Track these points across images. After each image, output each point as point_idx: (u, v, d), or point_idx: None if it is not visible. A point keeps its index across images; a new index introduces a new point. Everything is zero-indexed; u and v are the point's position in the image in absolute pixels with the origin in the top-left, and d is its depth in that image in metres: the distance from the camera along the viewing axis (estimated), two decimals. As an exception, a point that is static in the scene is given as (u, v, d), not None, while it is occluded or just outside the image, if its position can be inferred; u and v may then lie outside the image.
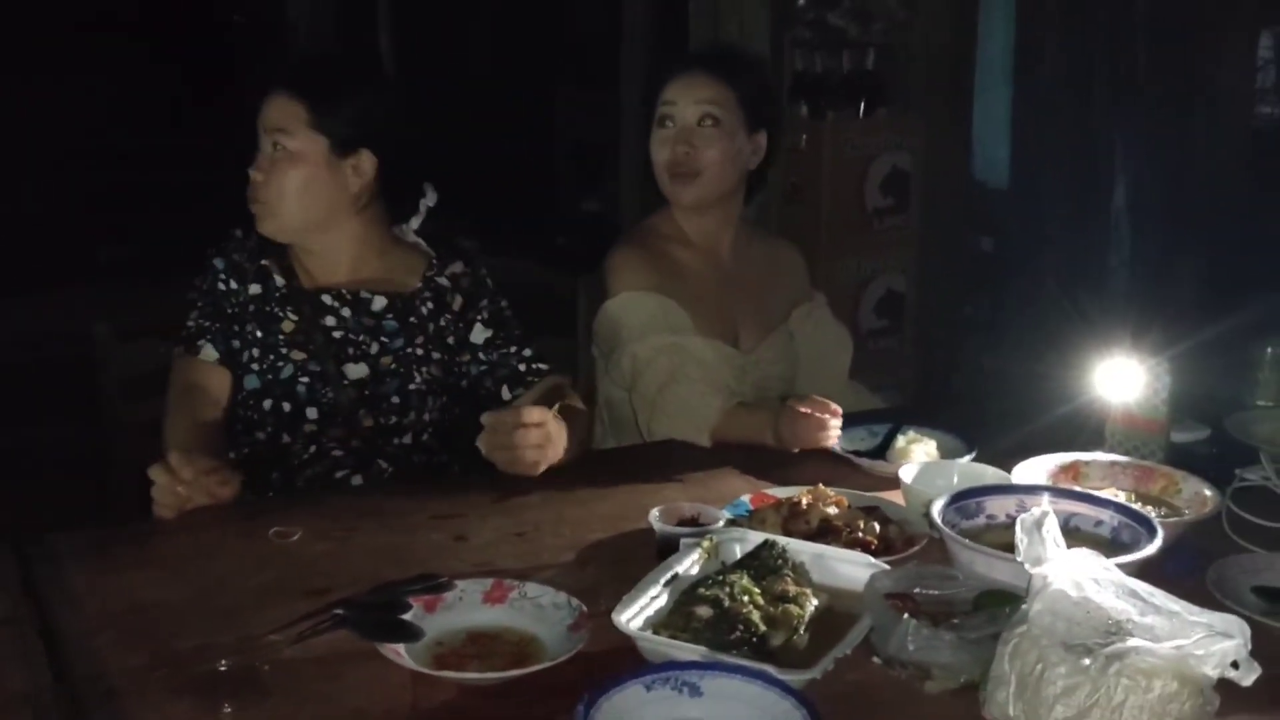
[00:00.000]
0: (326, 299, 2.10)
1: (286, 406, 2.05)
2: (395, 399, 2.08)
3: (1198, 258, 4.47)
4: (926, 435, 2.03)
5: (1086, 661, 1.26)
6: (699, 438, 2.15)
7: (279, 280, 2.10)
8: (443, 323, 2.15)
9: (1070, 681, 1.26)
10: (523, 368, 2.15)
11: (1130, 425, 1.95)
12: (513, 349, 2.16)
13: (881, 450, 2.03)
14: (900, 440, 2.01)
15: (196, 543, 1.71)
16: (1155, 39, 4.64)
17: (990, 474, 1.82)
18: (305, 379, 2.05)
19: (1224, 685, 1.26)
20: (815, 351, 2.51)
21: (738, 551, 1.57)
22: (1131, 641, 1.26)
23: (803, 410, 2.02)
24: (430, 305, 2.15)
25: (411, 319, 2.13)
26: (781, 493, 1.81)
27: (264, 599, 1.53)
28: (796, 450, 2.06)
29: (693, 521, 1.68)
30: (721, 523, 1.67)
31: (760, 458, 2.03)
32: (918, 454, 1.96)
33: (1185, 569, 1.59)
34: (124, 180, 6.43)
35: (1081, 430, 2.03)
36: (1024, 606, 1.33)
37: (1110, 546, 1.59)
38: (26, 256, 5.58)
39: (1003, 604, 1.40)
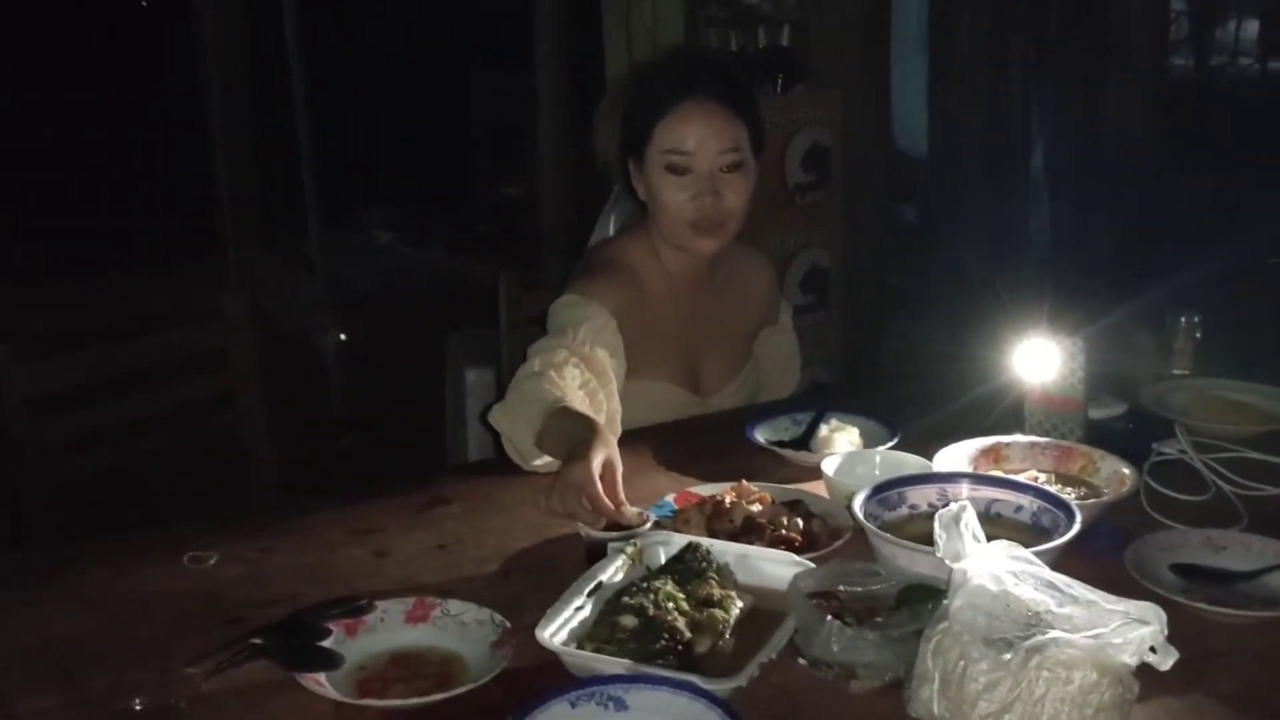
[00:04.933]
0: None
1: None
2: None
3: (1113, 219, 4.53)
4: (849, 423, 2.04)
5: (1007, 656, 1.26)
6: (522, 437, 1.89)
7: None
8: None
9: (992, 677, 1.26)
10: None
11: (1048, 405, 1.97)
12: None
13: (805, 440, 2.03)
14: (823, 429, 2.02)
15: (112, 571, 1.66)
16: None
17: (912, 462, 1.83)
18: None
19: (1143, 670, 1.27)
20: (769, 368, 2.44)
21: (662, 555, 1.56)
22: (1051, 634, 1.27)
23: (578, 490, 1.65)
24: None
25: None
26: (705, 490, 1.81)
27: (181, 629, 1.50)
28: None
29: (619, 525, 1.66)
30: (648, 525, 1.66)
31: (684, 452, 2.02)
32: (840, 443, 1.97)
33: (1106, 548, 1.61)
34: (33, 178, 6.28)
35: (1000, 410, 2.05)
36: (945, 602, 1.33)
37: (1031, 532, 1.61)
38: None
39: (925, 599, 1.40)
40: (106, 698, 1.35)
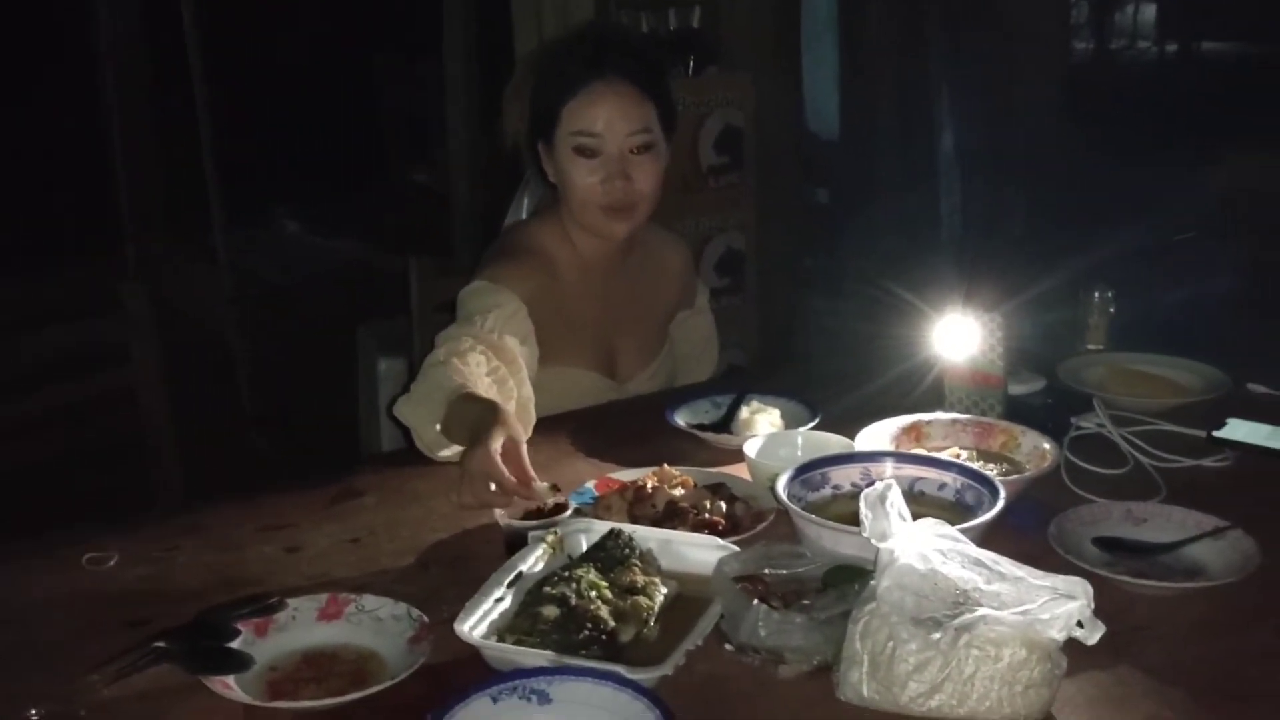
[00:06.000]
0: None
1: None
2: None
3: (1024, 199, 4.58)
4: (769, 404, 2.01)
5: (937, 636, 1.25)
6: (426, 427, 1.85)
7: None
8: None
9: (922, 657, 1.25)
10: None
11: (968, 381, 1.96)
12: None
13: (726, 422, 2.00)
14: (744, 411, 1.99)
15: (6, 575, 1.58)
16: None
17: (834, 442, 1.81)
18: None
19: (1070, 644, 1.26)
20: (686, 351, 2.41)
21: (583, 543, 1.53)
22: (979, 611, 1.26)
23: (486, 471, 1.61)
24: None
25: None
26: (626, 475, 1.77)
27: (80, 633, 1.43)
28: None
29: (539, 513, 1.62)
30: (569, 512, 1.62)
31: (604, 438, 1.98)
32: (762, 424, 1.94)
33: (1029, 524, 1.61)
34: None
35: (920, 388, 2.04)
36: (872, 583, 1.31)
37: (955, 509, 1.60)
38: None
39: (851, 580, 1.38)
40: (2, 708, 1.27)
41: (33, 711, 1.26)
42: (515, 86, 2.18)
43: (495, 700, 1.24)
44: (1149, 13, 8.98)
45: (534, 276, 2.10)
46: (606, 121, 2.04)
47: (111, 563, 1.60)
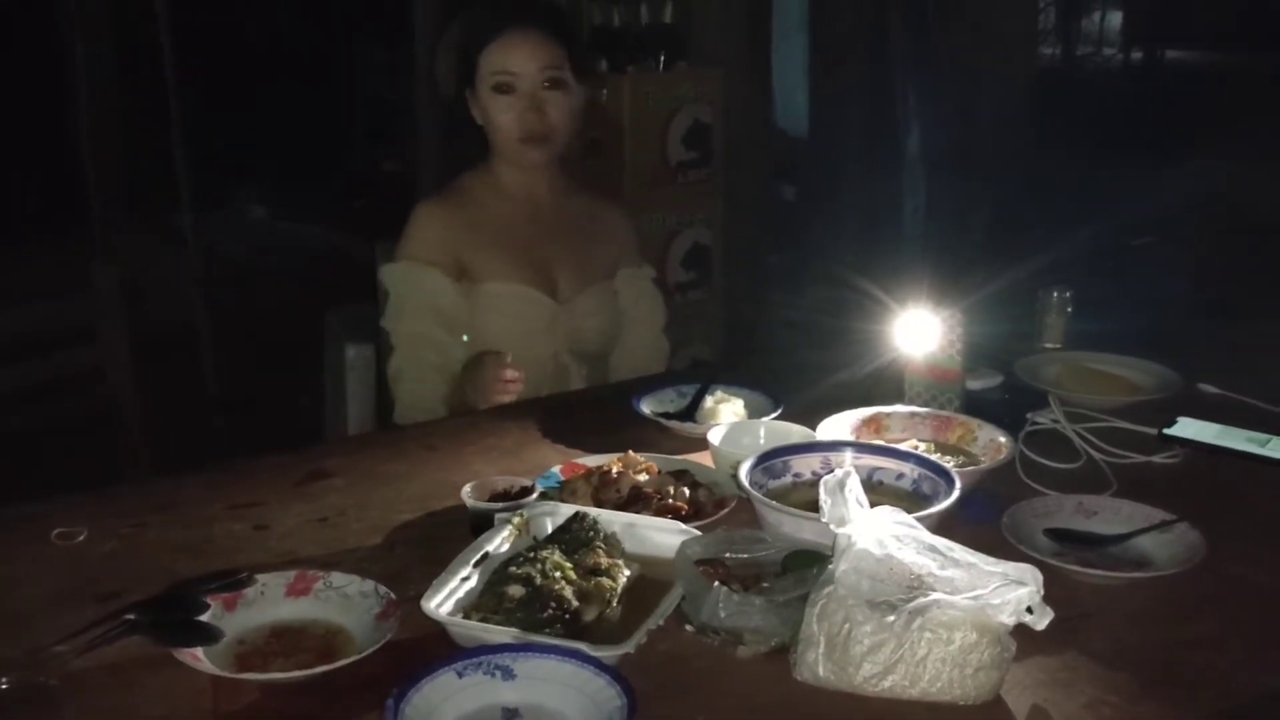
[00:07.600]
0: None
1: None
2: None
3: (987, 199, 4.64)
4: (733, 394, 2.05)
5: (891, 618, 1.29)
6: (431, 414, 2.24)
7: None
8: None
9: (876, 639, 1.28)
10: None
11: (928, 376, 2.00)
12: None
13: (690, 411, 2.04)
14: (708, 400, 2.03)
15: (-28, 549, 1.60)
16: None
17: (796, 432, 1.85)
18: None
19: (1020, 629, 1.30)
20: (635, 315, 2.55)
21: (549, 526, 1.56)
22: (933, 595, 1.30)
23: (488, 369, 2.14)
24: None
25: None
26: (592, 461, 1.80)
27: (49, 607, 1.44)
28: (481, 407, 2.15)
29: (505, 495, 1.65)
30: (534, 495, 1.65)
31: (571, 425, 2.01)
32: (725, 414, 1.98)
33: (983, 514, 1.65)
34: None
35: (881, 381, 2.08)
36: (830, 567, 1.35)
37: (912, 499, 1.64)
38: None
39: (810, 564, 1.41)
40: (-30, 678, 1.29)
41: (2, 680, 1.28)
42: (445, 41, 2.42)
43: (460, 675, 1.26)
44: (1115, 20, 9.11)
45: (456, 226, 2.35)
46: (520, 62, 2.30)
47: (80, 538, 1.62)
